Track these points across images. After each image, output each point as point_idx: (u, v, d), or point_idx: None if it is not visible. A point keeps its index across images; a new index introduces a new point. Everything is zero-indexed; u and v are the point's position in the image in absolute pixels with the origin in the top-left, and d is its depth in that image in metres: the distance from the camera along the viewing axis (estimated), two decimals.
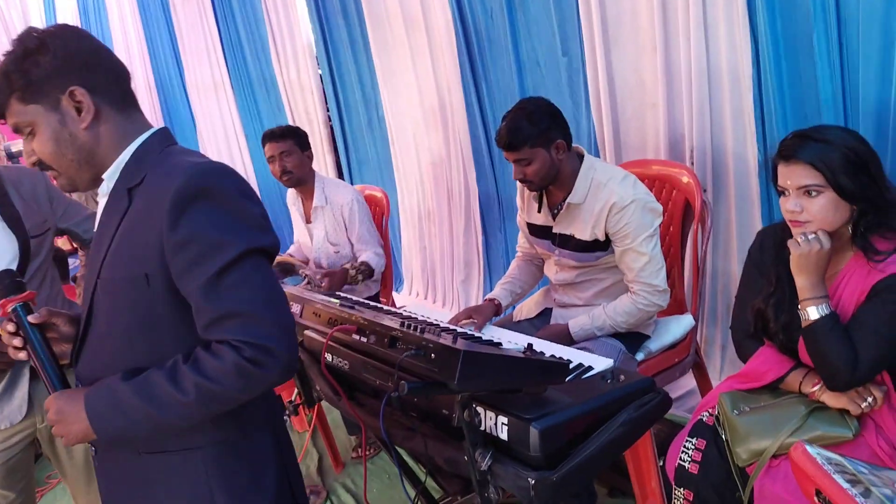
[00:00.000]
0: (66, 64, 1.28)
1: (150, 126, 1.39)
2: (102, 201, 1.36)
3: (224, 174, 1.25)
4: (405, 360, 1.50)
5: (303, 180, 3.31)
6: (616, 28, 2.90)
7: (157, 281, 1.25)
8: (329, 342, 1.82)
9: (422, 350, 1.49)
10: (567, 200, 2.32)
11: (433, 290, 4.64)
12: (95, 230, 1.37)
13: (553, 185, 2.37)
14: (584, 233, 2.33)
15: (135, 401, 1.23)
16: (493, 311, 2.52)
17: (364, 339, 1.69)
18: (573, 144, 2.34)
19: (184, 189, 1.20)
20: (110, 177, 1.34)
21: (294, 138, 3.25)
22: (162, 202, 1.21)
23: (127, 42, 6.81)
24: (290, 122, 5.21)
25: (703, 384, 2.67)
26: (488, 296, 2.59)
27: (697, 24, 2.57)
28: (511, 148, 2.24)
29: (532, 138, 2.21)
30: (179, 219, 1.20)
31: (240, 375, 1.20)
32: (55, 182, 1.39)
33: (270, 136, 3.24)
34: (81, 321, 1.37)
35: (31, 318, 1.39)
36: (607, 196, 2.25)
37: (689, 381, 2.96)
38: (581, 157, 2.34)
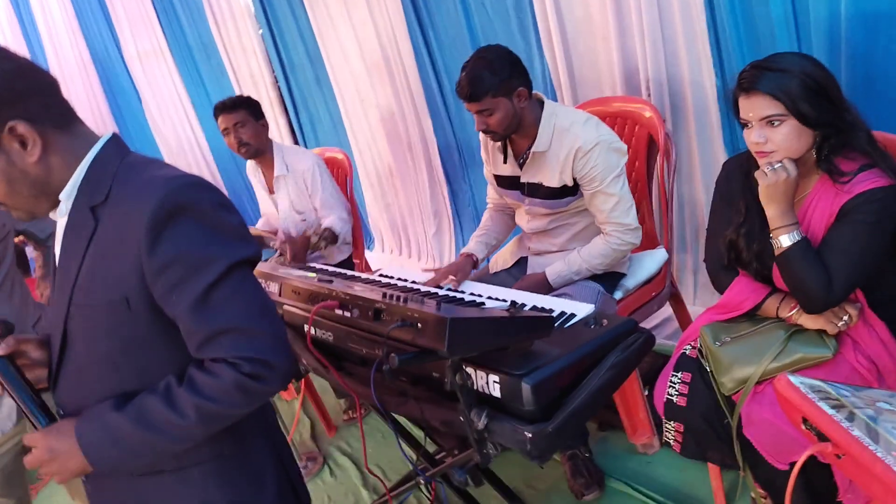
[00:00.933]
0: None
1: (96, 137, 1.31)
2: (62, 221, 1.29)
3: (200, 187, 1.21)
4: (393, 332, 1.51)
5: (261, 150, 3.24)
6: None
7: (139, 304, 1.21)
8: (313, 317, 1.82)
9: (408, 321, 1.50)
10: (532, 149, 2.31)
11: (406, 245, 4.63)
12: (58, 252, 1.31)
13: (516, 135, 2.36)
14: (552, 180, 2.33)
15: (131, 429, 1.21)
16: (471, 266, 2.52)
17: (347, 314, 1.69)
18: (533, 91, 2.33)
19: (160, 208, 1.16)
20: (67, 197, 1.27)
21: (247, 108, 3.16)
22: (137, 223, 1.17)
23: (50, 18, 6.52)
24: (235, 87, 5.06)
25: (681, 313, 2.74)
26: (463, 250, 2.59)
27: None
28: (473, 98, 2.22)
29: (493, 88, 2.19)
30: (159, 239, 1.16)
31: (241, 392, 1.19)
32: (14, 215, 1.32)
33: (222, 108, 3.15)
34: (55, 345, 1.30)
35: None
36: (572, 141, 2.24)
37: (666, 310, 3.02)
38: (542, 103, 2.33)
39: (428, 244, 4.37)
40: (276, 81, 4.82)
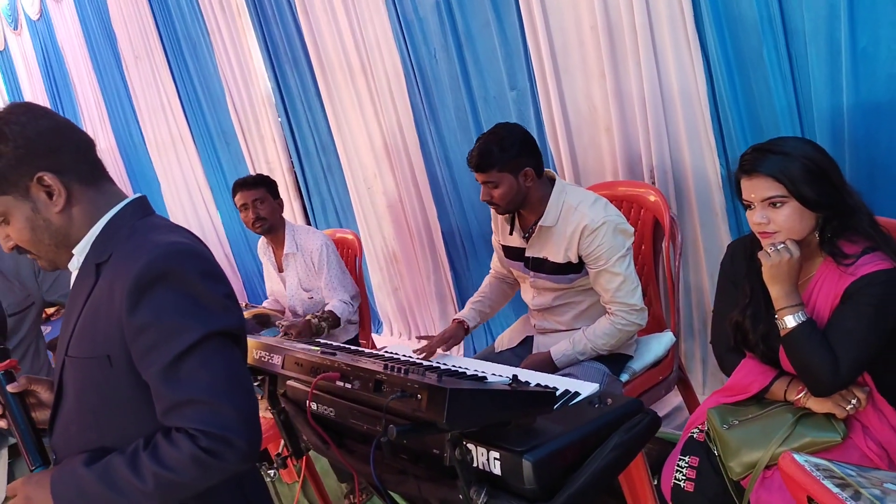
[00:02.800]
0: (29, 150, 1.24)
1: (123, 196, 1.35)
2: (73, 275, 1.33)
3: (187, 255, 1.22)
4: (392, 404, 1.48)
5: (274, 227, 3.29)
6: (564, 58, 2.93)
7: (120, 363, 1.22)
8: (313, 391, 1.79)
9: (408, 391, 1.47)
10: (539, 223, 2.33)
11: (415, 329, 4.61)
12: (66, 304, 1.35)
13: (523, 209, 2.38)
14: (557, 255, 2.33)
15: (98, 488, 1.20)
16: (462, 333, 2.54)
17: (348, 386, 1.66)
18: (544, 169, 2.37)
19: (144, 272, 1.18)
20: (80, 252, 1.30)
21: (266, 186, 3.25)
22: (123, 284, 1.19)
23: (87, 106, 6.79)
24: (252, 172, 5.18)
25: (690, 399, 2.68)
26: (456, 316, 2.60)
27: (646, 48, 2.61)
28: (479, 169, 2.27)
29: (500, 163, 2.23)
30: (138, 303, 1.18)
31: (196, 466, 1.16)
32: (39, 263, 1.36)
33: (242, 185, 3.23)
34: (55, 393, 1.34)
35: (10, 387, 1.37)
36: (578, 219, 2.26)
37: (675, 398, 2.96)
38: (553, 181, 2.36)
39: (435, 329, 4.34)
40: (293, 167, 4.92)
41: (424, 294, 4.34)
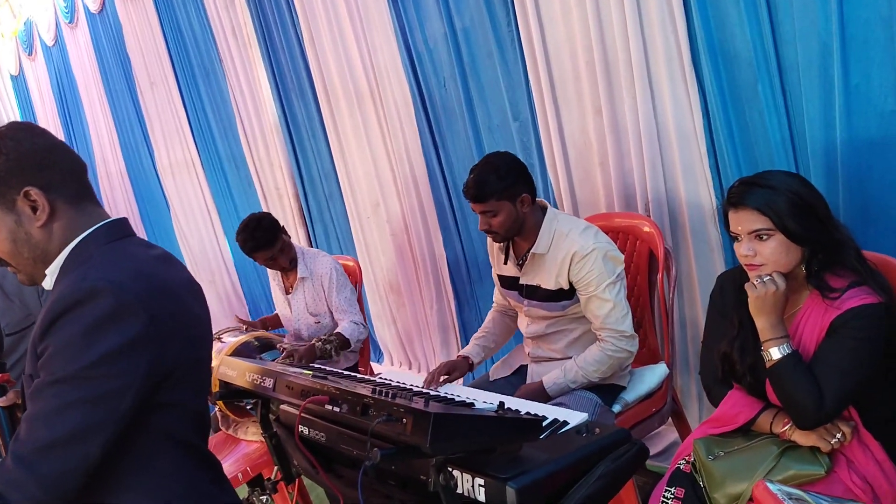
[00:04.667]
0: (20, 165, 1.30)
1: (104, 217, 1.39)
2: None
3: (104, 293, 1.25)
4: (377, 427, 1.50)
5: (296, 259, 3.35)
6: (562, 91, 2.98)
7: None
8: (303, 414, 1.81)
9: (393, 416, 1.49)
10: (531, 251, 2.35)
11: (414, 360, 4.61)
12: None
13: (518, 237, 2.41)
14: (548, 282, 2.36)
15: None
16: (466, 367, 2.54)
17: (337, 409, 1.68)
18: (536, 198, 2.40)
19: (60, 302, 1.23)
20: (52, 273, 1.35)
21: (277, 231, 3.24)
22: (44, 309, 1.25)
23: (98, 131, 6.90)
24: (261, 198, 5.24)
25: (684, 433, 2.67)
26: (461, 352, 2.60)
27: (642, 83, 2.65)
28: (478, 200, 2.30)
29: (498, 192, 2.27)
30: (48, 331, 1.23)
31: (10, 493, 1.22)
32: (18, 277, 1.40)
33: (256, 247, 3.19)
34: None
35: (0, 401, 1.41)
36: (569, 245, 2.29)
37: (672, 433, 2.95)
38: (544, 209, 2.39)
39: (436, 359, 4.34)
40: (298, 194, 4.98)
41: (426, 324, 4.34)
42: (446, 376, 2.41)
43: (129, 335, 1.27)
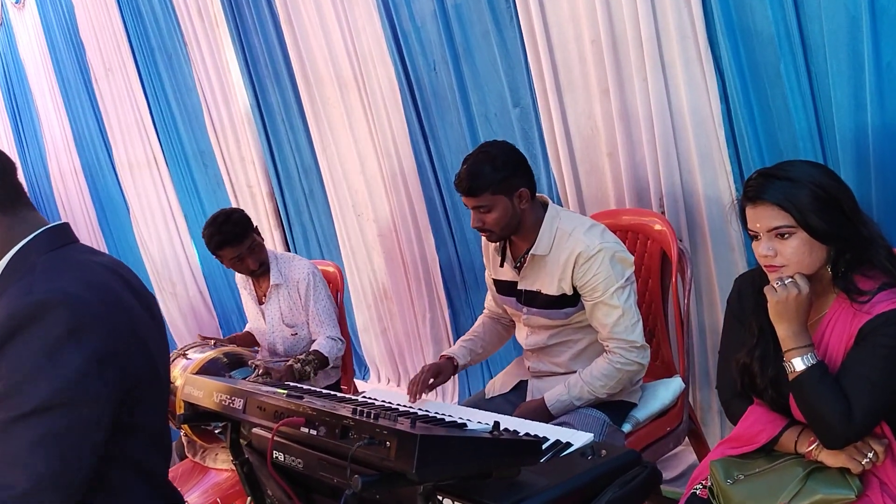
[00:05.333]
0: None
1: (42, 223, 1.39)
2: None
3: (58, 306, 1.26)
4: (359, 452, 1.51)
5: (267, 264, 3.36)
6: (566, 73, 3.00)
7: None
8: (276, 438, 1.82)
9: (376, 438, 1.50)
10: (530, 252, 2.37)
11: (405, 375, 4.62)
12: None
13: (516, 236, 2.43)
14: (550, 287, 2.37)
15: None
16: (451, 370, 2.57)
17: (313, 432, 1.69)
18: (537, 193, 2.42)
19: (8, 320, 1.24)
20: None
21: (248, 228, 3.27)
22: None
23: (49, 124, 6.90)
24: (232, 198, 5.25)
25: (703, 454, 2.68)
26: (445, 352, 2.63)
27: (653, 63, 2.67)
28: (470, 193, 2.31)
29: (493, 185, 2.28)
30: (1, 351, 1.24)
31: None
32: None
33: (223, 242, 3.22)
34: None
35: None
36: (573, 245, 2.30)
37: (689, 455, 2.97)
38: (545, 206, 2.41)
39: None
40: (272, 193, 4.99)
41: (417, 335, 4.36)
42: (433, 380, 2.44)
43: (92, 351, 1.29)
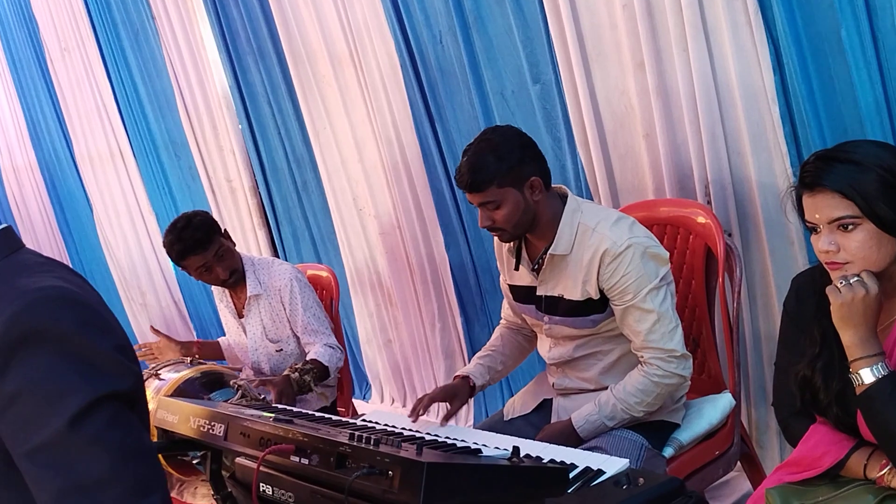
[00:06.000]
0: None
1: None
2: None
3: (62, 303, 1.25)
4: (357, 483, 1.52)
5: (240, 271, 3.38)
6: (594, 43, 3.01)
7: None
8: (263, 468, 1.83)
9: (376, 467, 1.51)
10: (549, 251, 2.38)
11: (412, 394, 4.62)
12: None
13: (532, 234, 2.43)
14: (573, 291, 2.38)
15: None
16: (468, 392, 2.56)
17: (305, 461, 1.70)
18: (553, 184, 2.42)
19: (9, 331, 1.21)
20: None
21: (213, 231, 3.27)
22: None
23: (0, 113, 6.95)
24: (209, 194, 5.27)
25: (758, 481, 2.68)
26: (460, 372, 2.62)
27: (695, 30, 2.68)
28: (474, 188, 2.31)
29: (499, 176, 2.28)
30: (6, 368, 1.20)
31: None
32: None
33: (185, 251, 3.22)
34: None
35: None
36: (597, 242, 2.31)
37: (742, 482, 2.97)
38: (564, 197, 2.42)
39: None
40: (256, 187, 5.00)
41: (426, 347, 4.37)
42: (444, 403, 2.44)
43: (120, 337, 1.30)
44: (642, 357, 2.34)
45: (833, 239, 1.72)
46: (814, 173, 1.73)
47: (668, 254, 2.36)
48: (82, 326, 1.26)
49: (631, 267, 2.28)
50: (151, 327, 3.80)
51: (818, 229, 1.75)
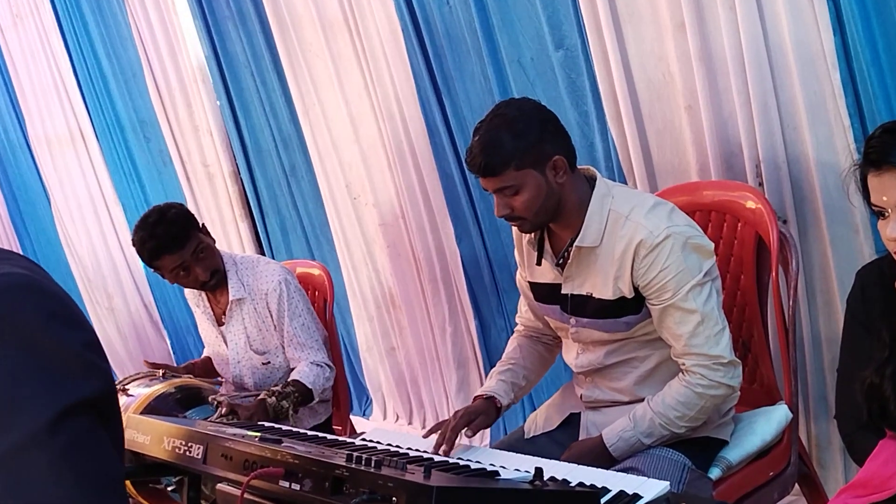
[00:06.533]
0: None
1: None
2: None
3: (24, 291, 1.26)
4: None
5: (222, 272, 3.38)
6: (627, 2, 3.00)
7: None
8: (248, 496, 1.84)
9: (378, 493, 1.52)
10: (575, 243, 2.37)
11: (419, 409, 4.62)
12: None
13: (555, 223, 2.42)
14: (604, 289, 2.37)
15: None
16: (494, 412, 2.54)
17: (296, 487, 1.71)
18: (580, 165, 2.41)
19: None
20: None
21: (191, 227, 3.26)
22: None
23: None
24: (184, 182, 5.27)
25: None
26: (481, 390, 2.60)
27: None
28: (489, 172, 2.30)
29: (517, 157, 2.27)
30: None
31: None
32: None
33: (159, 249, 3.19)
34: None
35: None
36: (631, 232, 2.29)
37: None
38: (592, 180, 2.41)
39: (450, 407, 4.36)
40: (237, 172, 5.01)
41: (435, 355, 4.38)
42: (469, 431, 2.43)
43: (88, 332, 1.28)
44: (684, 364, 2.33)
45: None
46: (881, 149, 1.73)
47: (712, 245, 2.34)
48: (48, 319, 1.26)
49: (670, 260, 2.26)
50: (145, 361, 3.76)
51: (886, 213, 1.75)
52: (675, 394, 2.32)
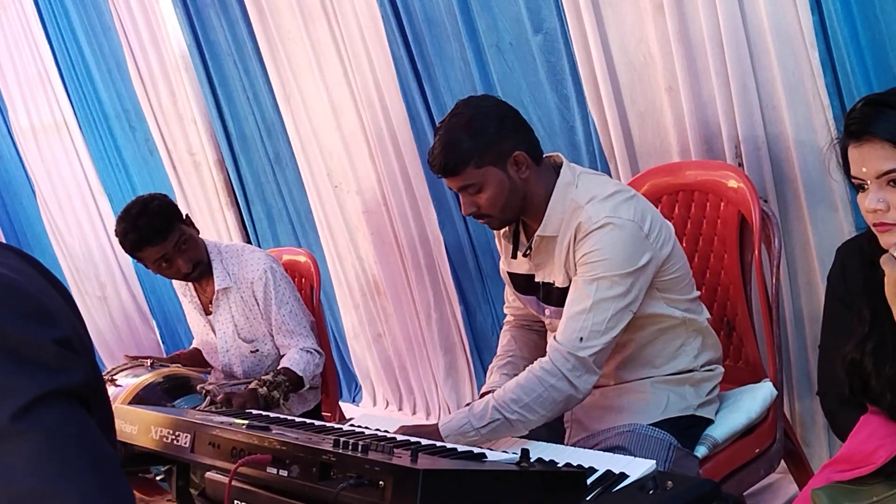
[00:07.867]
0: None
1: None
2: None
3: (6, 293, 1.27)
4: (344, 496, 1.52)
5: (205, 263, 3.37)
6: None
7: None
8: (236, 483, 1.83)
9: (365, 477, 1.52)
10: (537, 233, 2.37)
11: (408, 395, 4.63)
12: None
13: (526, 216, 2.43)
14: (560, 276, 2.36)
15: None
16: None
17: (284, 473, 1.71)
18: (562, 150, 2.41)
19: None
20: None
21: (173, 218, 3.25)
22: None
23: None
24: (170, 170, 5.25)
25: (805, 481, 2.68)
26: (486, 387, 2.58)
27: None
28: (449, 172, 2.31)
29: (476, 154, 2.27)
30: None
31: None
32: None
33: (142, 240, 3.19)
34: None
35: None
36: (578, 218, 2.28)
37: (787, 484, 2.97)
38: (559, 168, 2.41)
39: (439, 393, 4.37)
40: (223, 160, 4.99)
41: (422, 341, 4.38)
42: None
43: (66, 329, 1.28)
44: (549, 345, 2.29)
45: (882, 196, 1.71)
46: (861, 120, 1.73)
47: (670, 240, 2.33)
48: (21, 314, 1.26)
49: (600, 245, 2.23)
50: (125, 356, 3.74)
51: (865, 186, 1.74)
52: (519, 377, 2.28)
